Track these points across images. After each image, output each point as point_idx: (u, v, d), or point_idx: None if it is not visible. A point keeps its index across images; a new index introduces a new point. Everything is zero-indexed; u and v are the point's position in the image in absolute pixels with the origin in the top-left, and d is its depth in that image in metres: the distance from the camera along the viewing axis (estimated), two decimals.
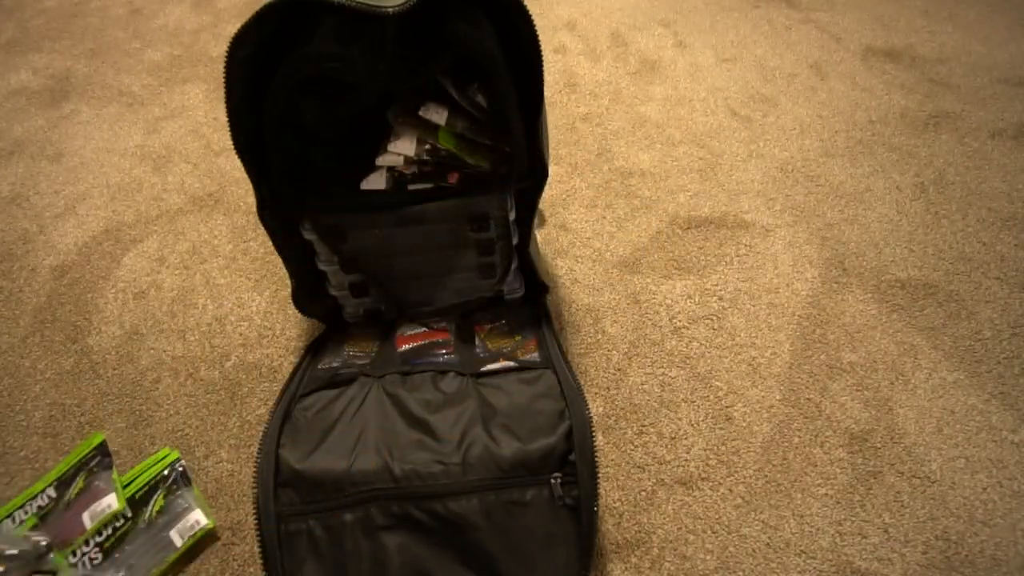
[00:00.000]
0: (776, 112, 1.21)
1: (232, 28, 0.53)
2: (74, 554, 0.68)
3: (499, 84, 0.56)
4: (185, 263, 0.98)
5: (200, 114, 1.26)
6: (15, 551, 0.66)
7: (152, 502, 0.71)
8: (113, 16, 1.56)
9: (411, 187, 0.68)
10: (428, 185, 0.68)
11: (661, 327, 0.87)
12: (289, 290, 0.85)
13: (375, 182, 0.68)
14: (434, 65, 0.55)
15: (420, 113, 0.65)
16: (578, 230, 1.00)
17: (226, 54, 0.52)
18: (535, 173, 0.64)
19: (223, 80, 0.54)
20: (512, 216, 0.70)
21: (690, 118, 1.20)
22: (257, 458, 0.59)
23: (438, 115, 0.64)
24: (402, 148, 0.65)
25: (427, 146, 0.65)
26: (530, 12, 0.54)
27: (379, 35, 0.52)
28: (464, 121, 0.65)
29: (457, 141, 0.65)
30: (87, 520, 0.70)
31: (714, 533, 0.69)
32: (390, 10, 0.49)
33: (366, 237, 0.70)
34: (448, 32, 0.53)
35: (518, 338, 0.73)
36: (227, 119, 0.56)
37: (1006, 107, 1.20)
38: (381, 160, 0.67)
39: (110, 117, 1.26)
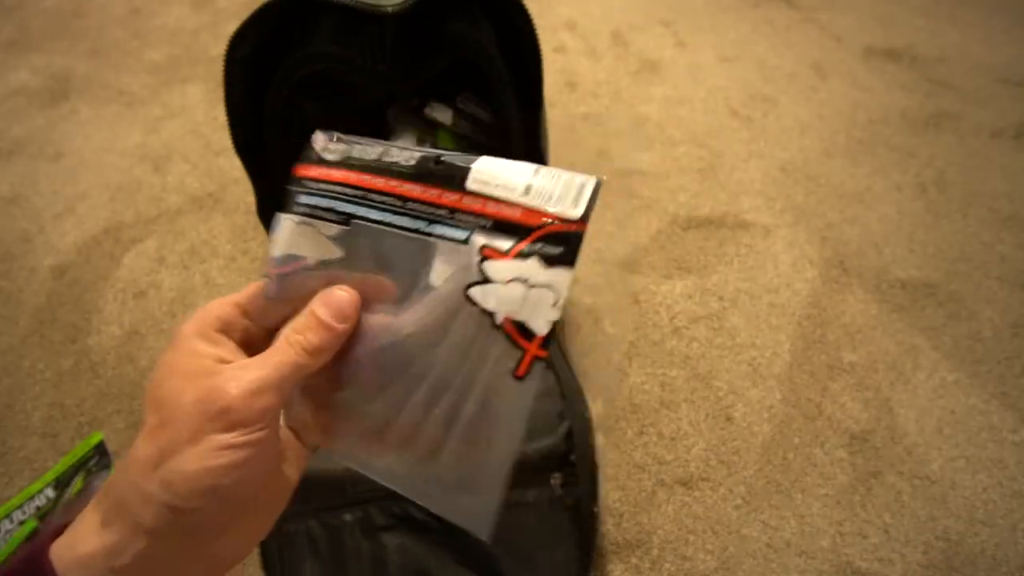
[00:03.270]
0: (776, 112, 1.21)
1: (232, 28, 0.53)
2: None
3: (497, 84, 0.56)
4: (184, 263, 0.98)
5: (200, 114, 1.26)
6: None
7: None
8: (113, 16, 1.56)
9: None
10: None
11: (661, 327, 0.87)
12: None
13: None
14: (434, 65, 0.55)
15: (425, 112, 0.65)
16: None
17: (225, 54, 0.52)
18: None
19: (222, 80, 0.54)
20: None
21: (690, 118, 1.20)
22: None
23: (443, 114, 0.64)
24: None
25: (427, 146, 0.65)
26: (529, 11, 0.54)
27: (378, 34, 0.52)
28: (468, 121, 0.65)
29: (457, 141, 0.65)
30: None
31: (714, 533, 0.69)
32: (389, 9, 0.49)
33: None
34: (447, 32, 0.53)
35: None
36: (227, 119, 0.56)
37: (1006, 107, 1.19)
38: None
39: (110, 117, 1.26)
